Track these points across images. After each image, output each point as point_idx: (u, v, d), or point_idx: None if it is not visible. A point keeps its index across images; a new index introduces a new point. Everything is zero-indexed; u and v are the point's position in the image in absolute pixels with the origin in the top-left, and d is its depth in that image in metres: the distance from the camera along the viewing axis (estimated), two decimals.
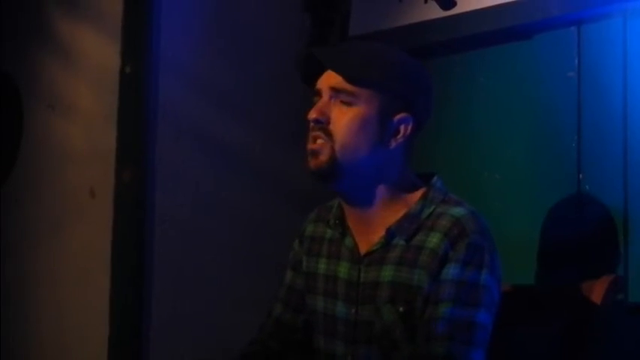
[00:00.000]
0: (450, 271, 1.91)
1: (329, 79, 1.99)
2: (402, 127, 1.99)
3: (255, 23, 3.06)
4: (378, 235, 2.02)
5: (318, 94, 2.00)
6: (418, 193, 2.02)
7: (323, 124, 1.96)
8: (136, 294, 2.75)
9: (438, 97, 2.83)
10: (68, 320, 2.94)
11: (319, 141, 1.97)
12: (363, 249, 2.05)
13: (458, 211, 1.97)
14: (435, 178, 2.05)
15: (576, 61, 2.52)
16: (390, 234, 2.00)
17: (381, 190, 2.01)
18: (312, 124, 1.98)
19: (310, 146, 1.98)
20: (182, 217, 2.85)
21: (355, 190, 2.01)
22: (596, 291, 2.15)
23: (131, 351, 2.74)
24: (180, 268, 2.84)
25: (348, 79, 1.96)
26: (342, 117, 1.96)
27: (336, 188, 2.04)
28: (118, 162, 2.79)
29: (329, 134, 1.96)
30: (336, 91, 1.97)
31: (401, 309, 1.95)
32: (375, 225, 2.03)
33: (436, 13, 2.77)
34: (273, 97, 3.04)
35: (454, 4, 2.74)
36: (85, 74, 2.96)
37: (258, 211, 3.00)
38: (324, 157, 1.96)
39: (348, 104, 1.96)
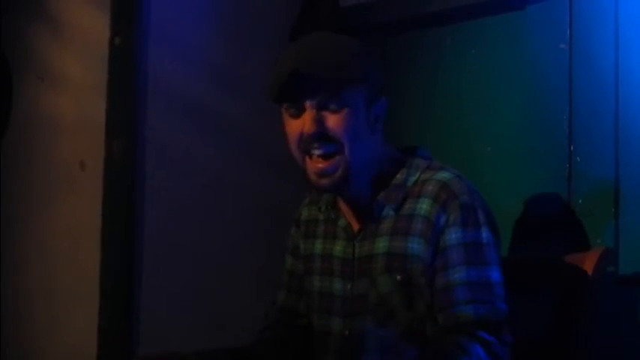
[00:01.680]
0: (452, 235, 1.93)
1: (313, 95, 1.94)
2: (381, 111, 2.01)
3: None
4: (369, 210, 2.03)
5: (300, 110, 1.96)
6: (402, 164, 2.04)
7: (326, 134, 1.94)
8: (127, 266, 2.74)
9: (430, 68, 2.84)
10: (58, 292, 2.94)
11: (323, 151, 1.94)
12: (355, 226, 2.07)
13: (443, 175, 1.99)
14: (420, 148, 2.08)
15: (568, 32, 2.52)
16: (379, 206, 2.01)
17: (372, 173, 2.02)
18: (308, 138, 1.95)
19: (322, 165, 1.96)
20: (172, 188, 2.84)
21: (356, 185, 2.01)
22: (587, 263, 2.16)
23: (122, 323, 2.74)
24: (171, 240, 2.84)
25: (330, 93, 1.92)
26: (337, 122, 1.94)
27: (343, 193, 2.04)
28: (107, 134, 2.78)
29: (334, 140, 1.94)
30: (324, 103, 1.94)
31: (398, 277, 1.96)
32: (365, 203, 2.04)
33: None
34: (263, 67, 3.01)
35: None
36: (74, 46, 2.95)
37: (248, 182, 3.00)
38: (340, 172, 1.95)
39: (338, 110, 1.94)
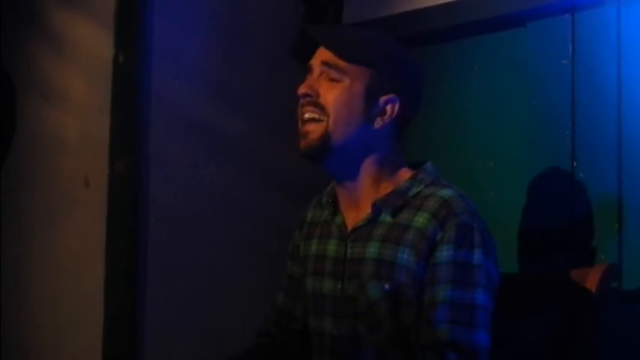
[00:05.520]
0: (444, 253, 1.92)
1: (321, 54, 2.03)
2: (388, 107, 2.03)
3: (249, 11, 3.05)
4: (365, 211, 2.04)
5: (310, 71, 2.04)
6: (407, 174, 2.05)
7: (313, 98, 2.00)
8: (130, 283, 2.74)
9: (433, 84, 2.84)
10: (63, 309, 2.94)
11: (308, 115, 2.00)
12: (350, 225, 2.07)
13: (446, 192, 1.99)
14: (428, 163, 2.09)
15: (570, 48, 2.52)
16: (376, 209, 2.02)
17: (367, 167, 2.04)
18: (301, 99, 2.02)
19: (306, 128, 2.01)
20: (176, 206, 2.84)
21: (342, 167, 2.04)
22: (591, 279, 2.15)
23: (125, 339, 2.74)
24: (174, 258, 2.84)
25: (338, 54, 1.99)
26: (330, 91, 1.99)
27: (325, 167, 2.06)
28: (111, 151, 2.78)
29: (320, 107, 1.99)
30: (327, 65, 2.00)
31: (386, 286, 1.96)
32: (362, 202, 2.05)
33: (431, 0, 2.77)
34: (266, 85, 3.03)
35: None
36: (78, 64, 2.95)
37: (252, 200, 3.00)
38: (316, 137, 1.99)
39: (336, 80, 1.99)
